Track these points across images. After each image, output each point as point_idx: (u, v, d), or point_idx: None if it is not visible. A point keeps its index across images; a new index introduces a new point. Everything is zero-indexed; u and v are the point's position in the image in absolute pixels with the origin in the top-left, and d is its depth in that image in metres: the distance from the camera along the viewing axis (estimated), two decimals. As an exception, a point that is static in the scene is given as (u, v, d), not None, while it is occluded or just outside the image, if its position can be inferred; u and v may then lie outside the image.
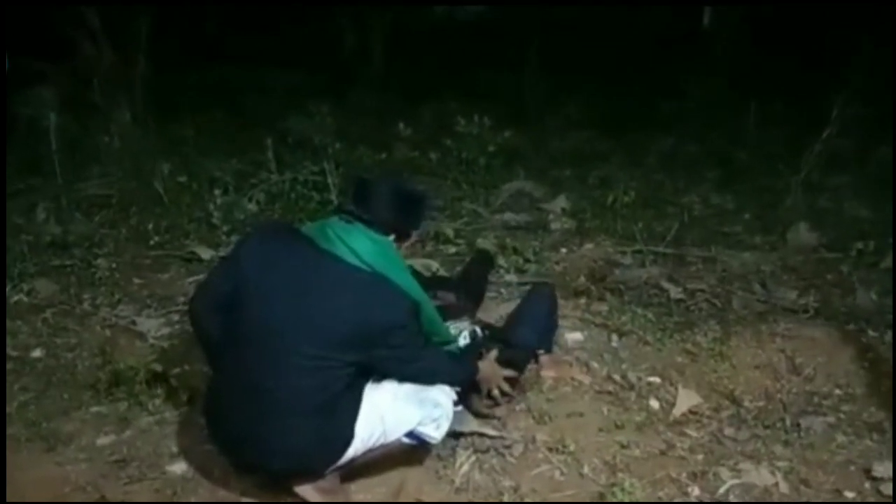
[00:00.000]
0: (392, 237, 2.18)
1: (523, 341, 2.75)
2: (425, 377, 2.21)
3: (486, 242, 3.92)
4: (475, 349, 2.57)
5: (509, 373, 2.55)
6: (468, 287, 3.19)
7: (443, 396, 2.25)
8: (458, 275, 3.45)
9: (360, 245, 2.09)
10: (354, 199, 2.19)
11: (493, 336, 2.75)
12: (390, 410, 2.15)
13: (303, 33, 8.14)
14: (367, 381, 2.15)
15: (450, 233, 4.05)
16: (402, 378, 2.18)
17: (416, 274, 2.44)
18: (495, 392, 2.51)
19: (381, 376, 2.17)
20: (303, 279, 2.07)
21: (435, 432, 2.24)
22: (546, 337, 2.86)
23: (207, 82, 7.05)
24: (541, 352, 2.81)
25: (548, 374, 2.80)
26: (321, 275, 2.07)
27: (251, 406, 2.06)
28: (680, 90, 6.71)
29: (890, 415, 2.65)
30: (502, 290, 3.50)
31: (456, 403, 2.36)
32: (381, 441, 2.16)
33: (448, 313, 2.61)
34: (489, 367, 2.50)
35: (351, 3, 7.67)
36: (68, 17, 5.48)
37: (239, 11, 8.70)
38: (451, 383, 2.32)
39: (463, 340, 2.61)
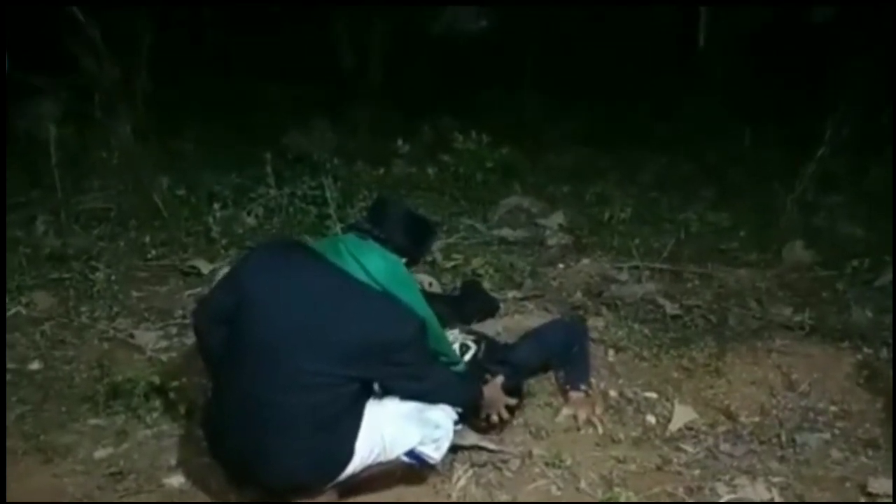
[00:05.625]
0: (404, 260, 2.21)
1: (525, 361, 2.77)
2: (430, 396, 2.22)
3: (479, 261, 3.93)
4: (480, 371, 2.58)
5: (511, 401, 2.56)
6: (462, 306, 3.22)
7: (444, 417, 2.26)
8: (453, 297, 3.48)
9: (371, 262, 2.11)
10: (371, 218, 2.24)
11: (490, 352, 2.76)
12: (391, 428, 2.15)
13: (304, 48, 8.18)
14: (368, 397, 2.15)
15: (445, 251, 4.07)
16: (407, 396, 2.19)
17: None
18: (494, 418, 2.52)
19: (382, 393, 2.18)
20: (309, 294, 2.08)
21: (434, 453, 2.24)
22: (581, 372, 2.84)
23: (208, 96, 7.08)
24: (582, 387, 2.78)
25: (569, 412, 2.72)
26: (328, 290, 2.09)
27: (252, 420, 2.06)
28: (677, 109, 6.77)
29: (884, 431, 2.66)
30: (499, 306, 3.51)
31: (456, 423, 2.37)
32: (381, 458, 2.17)
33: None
34: (493, 392, 2.50)
35: (351, 16, 7.73)
36: (69, 30, 5.51)
37: (239, 28, 8.76)
38: (454, 404, 2.33)
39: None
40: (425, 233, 2.35)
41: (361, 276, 2.10)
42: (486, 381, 2.50)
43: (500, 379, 2.53)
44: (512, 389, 2.57)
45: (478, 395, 2.44)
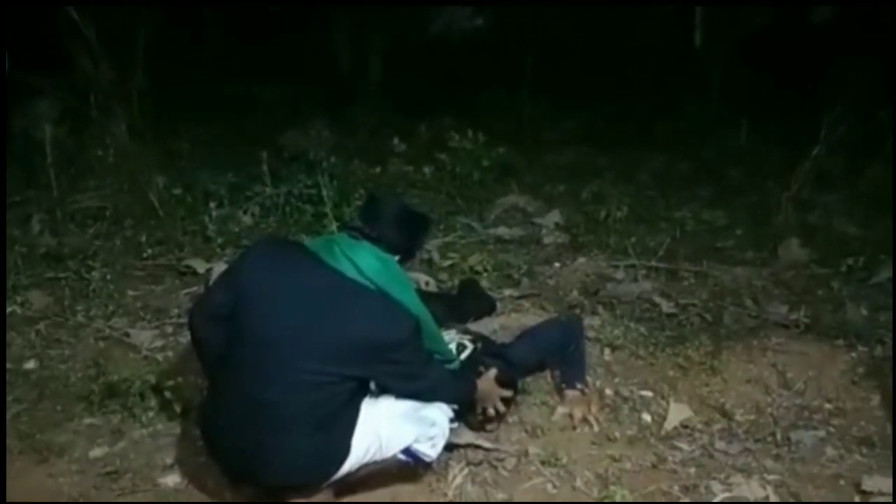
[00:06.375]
0: (397, 257, 2.21)
1: (521, 359, 2.77)
2: (425, 394, 2.23)
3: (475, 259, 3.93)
4: (474, 366, 2.58)
5: (506, 393, 2.56)
6: (460, 306, 3.23)
7: (440, 415, 2.26)
8: (450, 296, 3.48)
9: (365, 262, 2.11)
10: (362, 217, 2.25)
11: (486, 349, 2.77)
12: (387, 426, 2.15)
13: (303, 48, 8.19)
14: (364, 396, 2.16)
15: (441, 250, 4.07)
16: (403, 394, 2.19)
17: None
18: (490, 411, 2.52)
19: (379, 391, 2.18)
20: (305, 293, 2.08)
21: (430, 450, 2.25)
22: (577, 371, 2.83)
23: (206, 96, 7.08)
24: (578, 385, 2.77)
25: (564, 410, 2.70)
26: (323, 289, 2.09)
27: (248, 419, 2.06)
28: (676, 108, 6.78)
29: (879, 429, 2.67)
30: (496, 304, 3.51)
31: (452, 420, 2.37)
32: (377, 457, 2.17)
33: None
34: (487, 385, 2.50)
35: (350, 17, 7.74)
36: (66, 30, 5.49)
37: (237, 26, 8.77)
38: (450, 401, 2.33)
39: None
40: (418, 227, 2.34)
41: (356, 276, 2.10)
42: (479, 374, 2.51)
43: (493, 371, 2.53)
44: (506, 381, 2.56)
45: (472, 392, 2.44)
